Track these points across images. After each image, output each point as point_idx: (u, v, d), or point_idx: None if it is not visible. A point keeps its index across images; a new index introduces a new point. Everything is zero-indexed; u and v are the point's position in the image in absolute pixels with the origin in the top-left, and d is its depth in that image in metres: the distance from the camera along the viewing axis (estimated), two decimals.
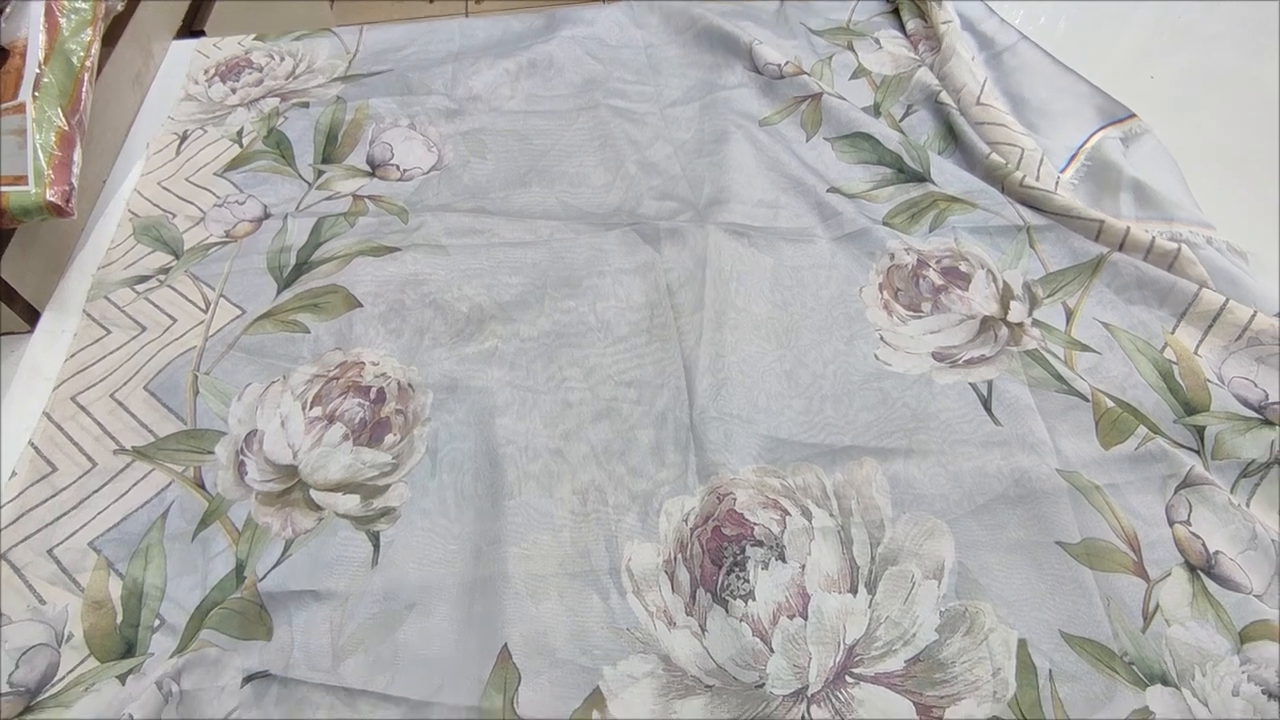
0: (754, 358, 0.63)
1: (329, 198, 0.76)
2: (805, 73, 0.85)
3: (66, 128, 0.68)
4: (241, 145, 0.81)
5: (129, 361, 0.64)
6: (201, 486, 0.57)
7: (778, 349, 0.64)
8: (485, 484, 0.57)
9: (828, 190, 0.75)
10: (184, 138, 0.82)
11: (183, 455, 0.59)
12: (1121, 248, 0.67)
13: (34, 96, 0.67)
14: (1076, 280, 0.66)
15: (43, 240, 0.71)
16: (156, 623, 0.51)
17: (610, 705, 0.47)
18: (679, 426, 0.59)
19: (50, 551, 0.54)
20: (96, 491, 0.57)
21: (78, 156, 0.68)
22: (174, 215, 0.75)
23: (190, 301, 0.68)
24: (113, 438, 0.59)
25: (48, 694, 0.49)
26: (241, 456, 0.58)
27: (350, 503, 0.56)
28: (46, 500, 0.56)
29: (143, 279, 0.69)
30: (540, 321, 0.66)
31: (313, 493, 0.56)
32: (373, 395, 0.62)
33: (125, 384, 0.63)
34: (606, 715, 0.46)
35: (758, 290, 0.68)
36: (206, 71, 0.90)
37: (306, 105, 0.85)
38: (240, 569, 0.53)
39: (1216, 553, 0.50)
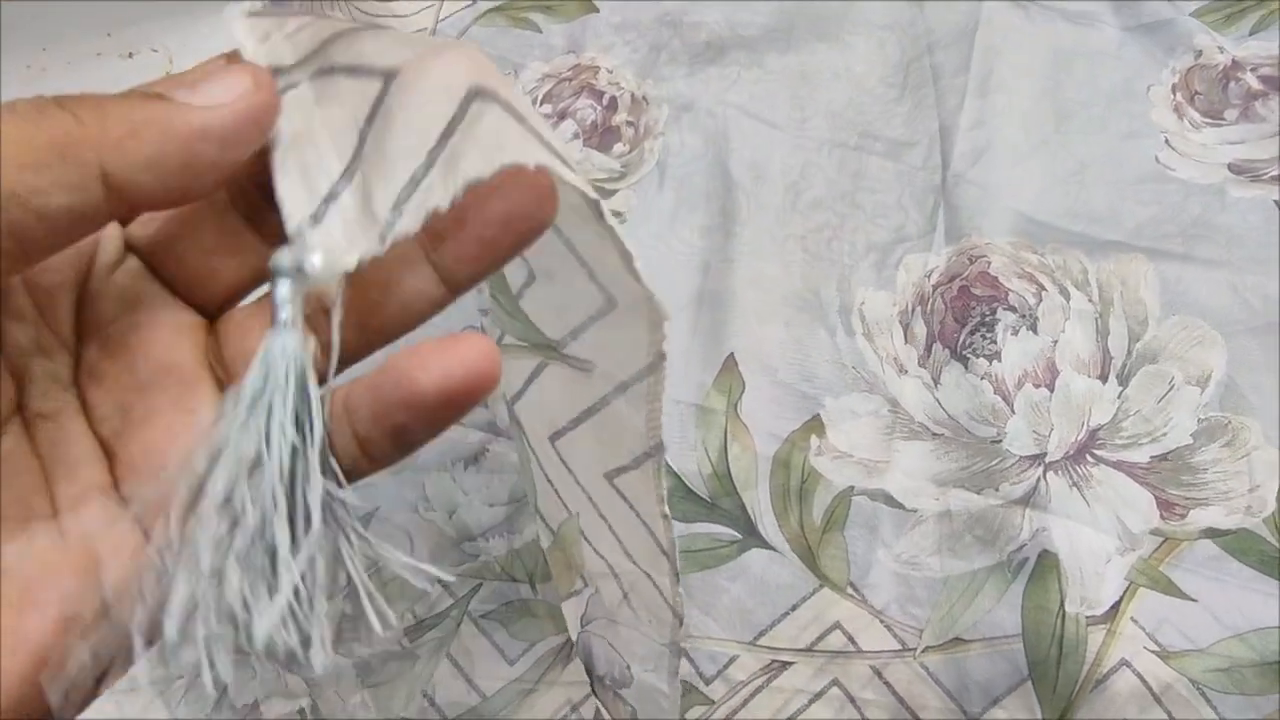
0: (1018, 133, 0.57)
1: None
2: None
3: None
4: None
5: None
6: None
7: (1045, 131, 0.58)
8: (717, 206, 0.55)
9: None
10: None
11: None
12: None
13: None
14: None
15: None
16: None
17: (829, 433, 0.46)
18: (928, 187, 0.55)
19: None
20: None
21: None
22: None
23: None
24: None
25: None
26: None
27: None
28: None
29: None
30: (786, 58, 0.61)
31: None
32: (605, 101, 0.59)
33: None
34: (825, 441, 0.45)
35: (1028, 67, 0.61)
36: None
37: None
38: None
39: None
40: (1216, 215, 0.53)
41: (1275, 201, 0.53)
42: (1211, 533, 0.42)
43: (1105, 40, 0.63)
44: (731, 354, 0.48)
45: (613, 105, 0.59)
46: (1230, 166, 0.56)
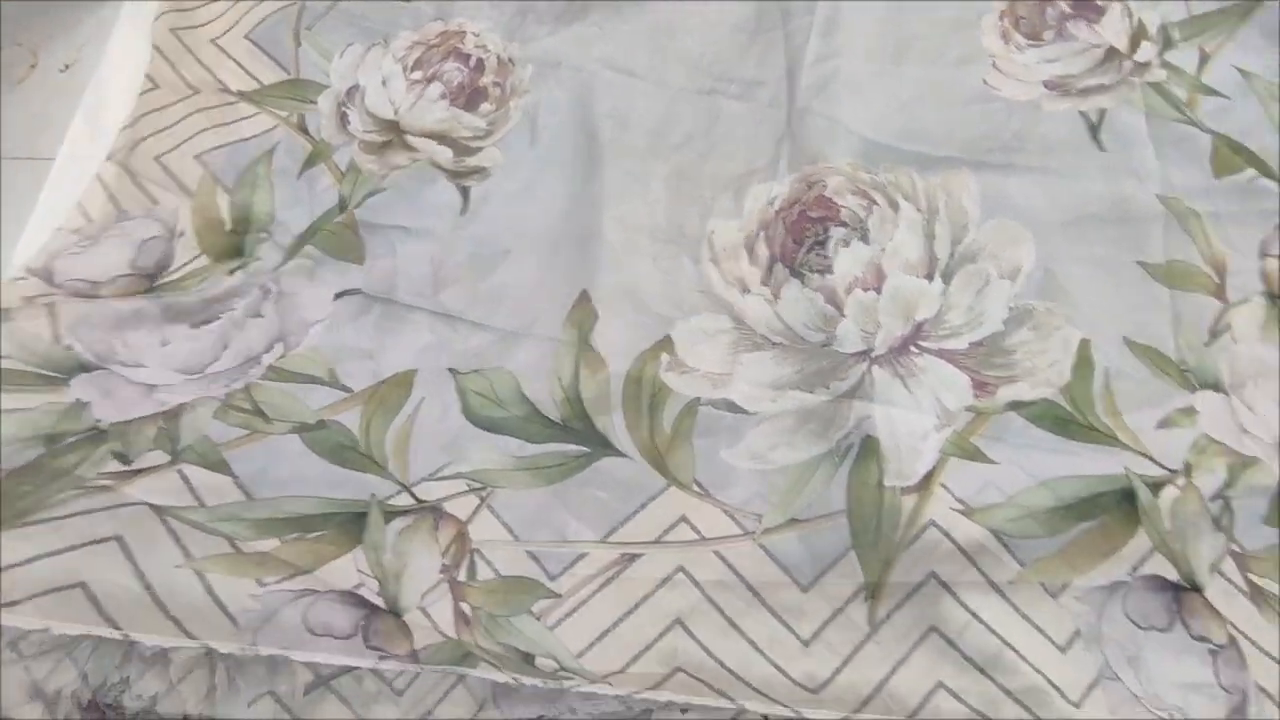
0: (860, 65, 0.61)
1: None
2: None
3: None
4: None
5: (228, 12, 0.64)
6: (305, 131, 0.59)
7: (884, 63, 0.62)
8: (584, 156, 0.58)
9: None
10: None
11: (288, 103, 0.60)
12: None
13: None
14: (1222, 25, 0.62)
15: None
16: (264, 235, 0.55)
17: (679, 351, 0.50)
18: (776, 122, 0.59)
19: (158, 158, 0.57)
20: (201, 111, 0.59)
21: None
22: None
23: None
24: (216, 77, 0.61)
25: (164, 280, 0.53)
26: (344, 108, 0.59)
27: (444, 154, 0.58)
28: (151, 112, 0.59)
29: None
30: (645, 11, 0.64)
31: (409, 137, 0.58)
32: (472, 63, 0.62)
33: (227, 32, 0.63)
34: (675, 358, 0.49)
35: (871, 4, 0.65)
36: None
37: None
38: (344, 203, 0.56)
39: None
40: (1033, 128, 0.58)
41: (1081, 112, 0.58)
42: (1016, 405, 0.47)
43: None
44: (585, 290, 0.51)
45: (479, 67, 0.62)
46: (1045, 84, 0.60)
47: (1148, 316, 0.50)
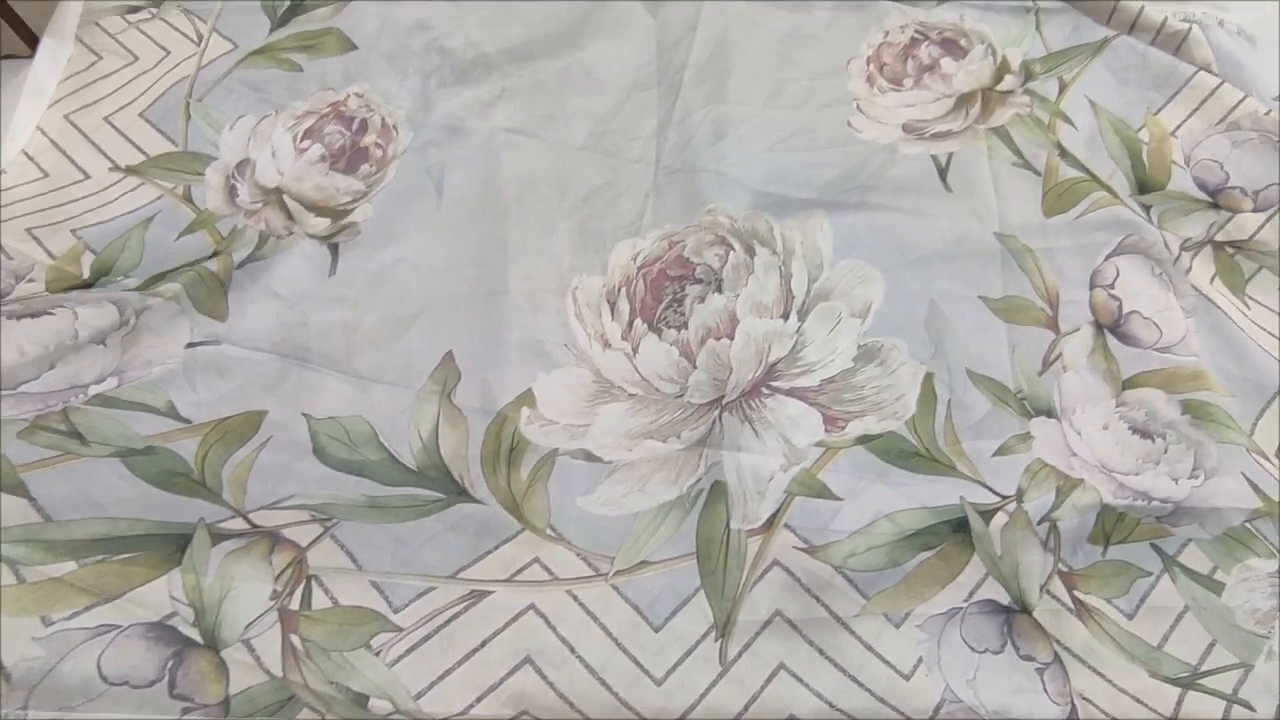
0: (729, 113, 0.64)
1: None
2: None
3: None
4: None
5: (123, 88, 0.65)
6: (190, 201, 0.59)
7: (754, 107, 0.65)
8: (490, 216, 0.59)
9: None
10: None
11: (175, 174, 0.60)
12: (1133, 28, 0.67)
13: None
14: (1077, 59, 0.66)
15: None
16: (122, 278, 0.54)
17: (540, 404, 0.51)
18: (645, 176, 0.61)
19: (30, 230, 0.56)
20: (85, 197, 0.59)
21: None
22: None
23: (182, 34, 0.68)
24: (106, 156, 0.61)
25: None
26: (233, 181, 0.60)
27: (320, 224, 0.58)
28: (33, 196, 0.59)
29: (135, 9, 0.69)
30: (541, 71, 0.66)
31: (289, 202, 0.59)
32: (355, 126, 0.63)
33: (120, 110, 0.64)
34: (535, 409, 0.50)
35: (745, 53, 0.68)
36: None
37: None
38: (219, 259, 0.55)
39: (1131, 313, 0.53)
40: (889, 170, 0.61)
41: (932, 155, 0.61)
42: (865, 439, 0.49)
43: (816, 22, 0.70)
44: (450, 351, 0.52)
45: (362, 128, 0.63)
46: (903, 126, 0.63)
47: (988, 348, 0.52)
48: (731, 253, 0.56)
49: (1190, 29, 0.65)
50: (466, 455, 0.48)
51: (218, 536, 0.43)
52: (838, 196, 0.59)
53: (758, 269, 0.55)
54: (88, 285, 0.54)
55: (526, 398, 0.51)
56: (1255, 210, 0.57)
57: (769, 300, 0.53)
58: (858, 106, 0.65)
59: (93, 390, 0.47)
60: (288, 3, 0.70)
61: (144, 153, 0.61)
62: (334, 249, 0.57)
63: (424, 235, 0.58)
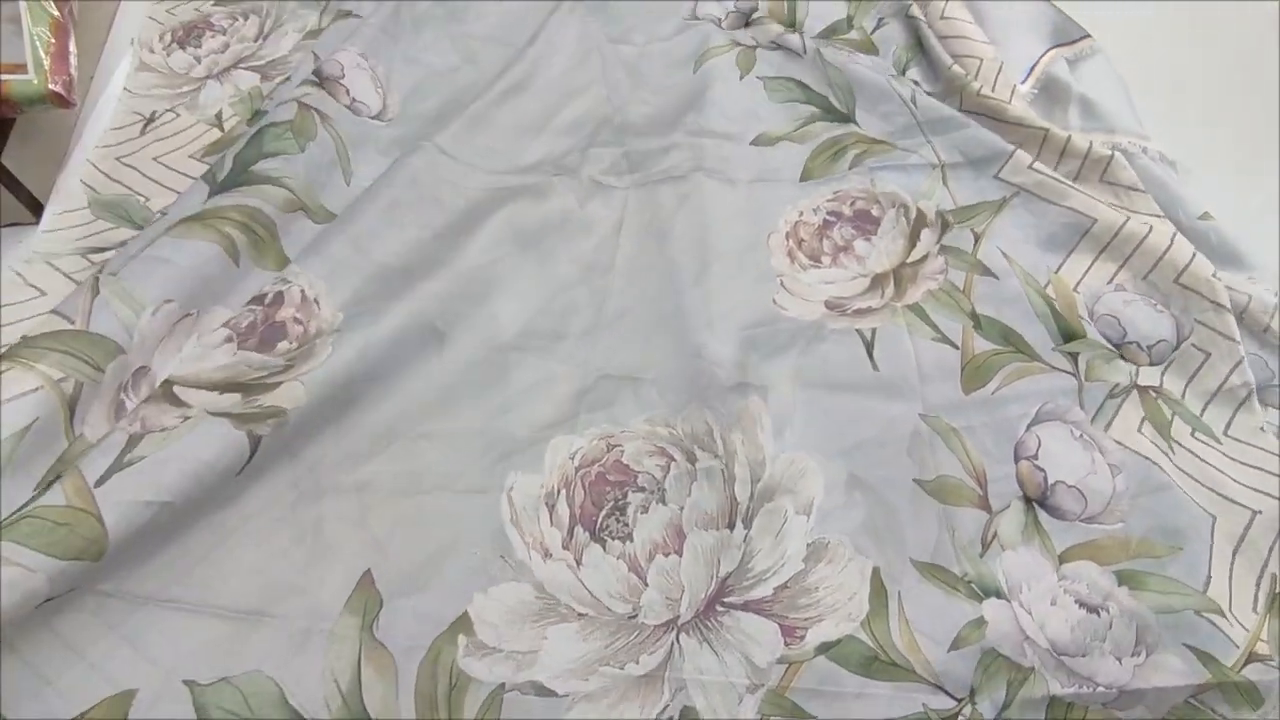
0: (654, 296, 0.66)
1: None
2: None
3: (60, 17, 0.70)
4: (222, 129, 0.75)
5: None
6: (72, 411, 0.51)
7: (684, 286, 0.66)
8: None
9: (753, 139, 0.76)
10: (151, 119, 0.75)
11: (68, 361, 0.51)
12: (1062, 154, 0.73)
13: None
14: (983, 215, 0.70)
15: (41, 131, 0.73)
16: None
17: (478, 630, 0.49)
18: (576, 374, 0.62)
19: None
20: None
21: (72, 45, 0.70)
22: (146, 197, 0.69)
23: None
24: None
25: None
26: (123, 395, 0.53)
27: (229, 400, 0.52)
28: None
29: (99, 250, 0.66)
30: (462, 271, 0.66)
31: (177, 388, 0.52)
32: (268, 299, 0.58)
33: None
34: (474, 639, 0.49)
35: (674, 235, 0.69)
36: (163, 38, 0.82)
37: (289, 79, 0.77)
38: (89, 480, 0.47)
39: (1055, 483, 0.55)
40: (817, 347, 0.63)
41: (857, 330, 0.64)
42: (824, 647, 0.50)
43: (737, 195, 0.73)
44: (368, 570, 0.50)
45: (277, 301, 0.58)
46: (826, 303, 0.66)
47: (929, 535, 0.54)
48: (673, 464, 0.57)
49: (1114, 155, 0.71)
50: (397, 704, 0.46)
51: None
52: (770, 380, 0.61)
53: (700, 476, 0.56)
54: None
55: (462, 623, 0.49)
56: (1151, 365, 0.61)
57: (714, 510, 0.55)
58: (781, 283, 0.68)
59: None
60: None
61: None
62: (255, 440, 0.51)
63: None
